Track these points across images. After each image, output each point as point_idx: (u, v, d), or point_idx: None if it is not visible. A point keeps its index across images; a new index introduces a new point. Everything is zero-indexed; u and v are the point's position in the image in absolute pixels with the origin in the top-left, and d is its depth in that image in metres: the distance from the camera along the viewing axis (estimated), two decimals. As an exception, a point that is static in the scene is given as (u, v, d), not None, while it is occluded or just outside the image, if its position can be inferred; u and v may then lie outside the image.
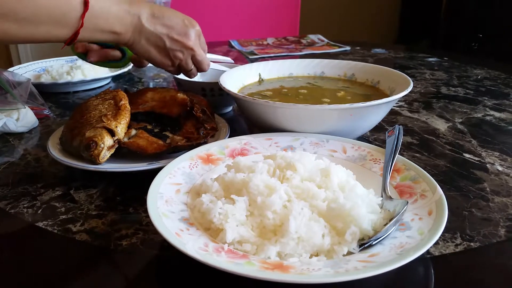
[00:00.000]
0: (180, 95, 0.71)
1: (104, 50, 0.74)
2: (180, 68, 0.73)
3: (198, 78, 0.92)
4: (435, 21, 2.78)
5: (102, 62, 0.75)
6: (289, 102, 0.62)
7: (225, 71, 0.78)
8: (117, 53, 0.75)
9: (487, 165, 0.65)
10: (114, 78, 1.18)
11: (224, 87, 0.69)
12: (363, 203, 0.43)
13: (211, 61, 0.77)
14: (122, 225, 0.50)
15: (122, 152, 0.62)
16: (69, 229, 0.50)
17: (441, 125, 0.81)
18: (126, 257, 0.45)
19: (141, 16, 0.64)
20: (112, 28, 0.61)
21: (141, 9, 0.64)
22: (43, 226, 0.50)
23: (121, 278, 0.43)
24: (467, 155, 0.68)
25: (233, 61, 0.84)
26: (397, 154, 0.55)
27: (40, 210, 0.54)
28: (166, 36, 0.67)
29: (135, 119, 0.69)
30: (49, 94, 1.03)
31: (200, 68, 0.75)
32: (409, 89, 0.66)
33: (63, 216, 0.52)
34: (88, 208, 0.54)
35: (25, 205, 0.55)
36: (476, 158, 0.67)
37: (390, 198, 0.48)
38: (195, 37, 0.70)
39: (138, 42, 0.66)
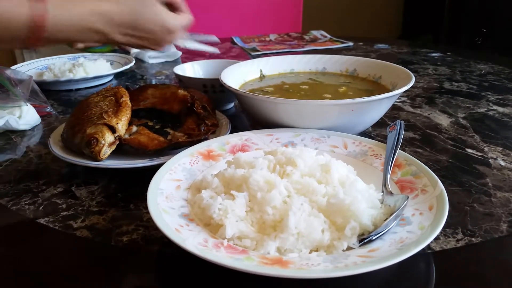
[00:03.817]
0: (181, 92, 0.71)
1: None
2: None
3: (200, 74, 0.92)
4: (438, 16, 2.76)
5: (89, 48, 0.76)
6: (290, 98, 0.62)
7: (208, 50, 0.78)
8: None
9: (490, 160, 0.64)
10: (116, 75, 1.18)
11: (225, 84, 0.69)
12: (363, 198, 0.43)
13: (196, 41, 0.76)
14: (123, 221, 0.50)
15: (123, 148, 0.62)
16: (70, 225, 0.50)
17: (444, 120, 0.81)
18: (127, 253, 0.45)
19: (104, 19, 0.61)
20: (75, 38, 0.61)
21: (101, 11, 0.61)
22: (44, 223, 0.51)
23: (122, 274, 0.43)
24: (469, 150, 0.68)
25: (218, 39, 0.83)
26: (398, 149, 0.54)
27: (42, 206, 0.54)
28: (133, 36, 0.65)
29: (136, 116, 0.69)
30: (51, 92, 1.03)
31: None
32: (411, 84, 0.65)
33: (64, 213, 0.52)
34: (89, 205, 0.54)
35: (26, 202, 0.55)
36: (479, 153, 0.67)
37: (391, 193, 0.48)
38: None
39: (112, 38, 0.64)
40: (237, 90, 0.66)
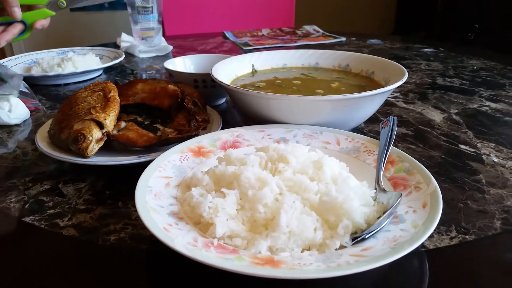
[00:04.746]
0: (171, 87, 0.70)
1: (9, 31, 0.76)
2: None
3: (191, 69, 0.91)
4: (431, 12, 2.77)
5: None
6: (282, 94, 0.61)
7: None
8: (20, 27, 0.78)
9: (483, 156, 0.64)
10: (106, 70, 1.16)
11: (216, 79, 0.68)
12: (356, 195, 0.42)
13: None
14: (110, 220, 0.49)
15: (111, 145, 0.61)
16: (56, 224, 0.49)
17: (437, 116, 0.80)
18: (114, 252, 0.44)
19: None
20: None
21: None
22: (30, 221, 0.49)
23: (109, 273, 0.42)
24: (462, 146, 0.67)
25: None
26: (391, 146, 0.54)
27: (28, 204, 0.53)
28: None
29: (125, 111, 0.68)
30: (39, 87, 1.01)
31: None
32: (404, 79, 0.64)
33: (51, 211, 0.51)
34: (76, 203, 0.53)
35: (12, 200, 0.54)
36: (472, 149, 0.66)
37: (384, 190, 0.47)
38: None
39: None
40: (228, 85, 0.65)
